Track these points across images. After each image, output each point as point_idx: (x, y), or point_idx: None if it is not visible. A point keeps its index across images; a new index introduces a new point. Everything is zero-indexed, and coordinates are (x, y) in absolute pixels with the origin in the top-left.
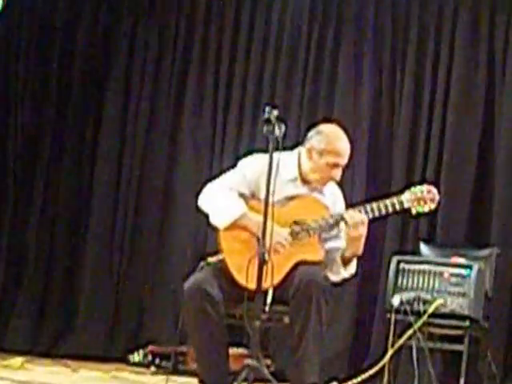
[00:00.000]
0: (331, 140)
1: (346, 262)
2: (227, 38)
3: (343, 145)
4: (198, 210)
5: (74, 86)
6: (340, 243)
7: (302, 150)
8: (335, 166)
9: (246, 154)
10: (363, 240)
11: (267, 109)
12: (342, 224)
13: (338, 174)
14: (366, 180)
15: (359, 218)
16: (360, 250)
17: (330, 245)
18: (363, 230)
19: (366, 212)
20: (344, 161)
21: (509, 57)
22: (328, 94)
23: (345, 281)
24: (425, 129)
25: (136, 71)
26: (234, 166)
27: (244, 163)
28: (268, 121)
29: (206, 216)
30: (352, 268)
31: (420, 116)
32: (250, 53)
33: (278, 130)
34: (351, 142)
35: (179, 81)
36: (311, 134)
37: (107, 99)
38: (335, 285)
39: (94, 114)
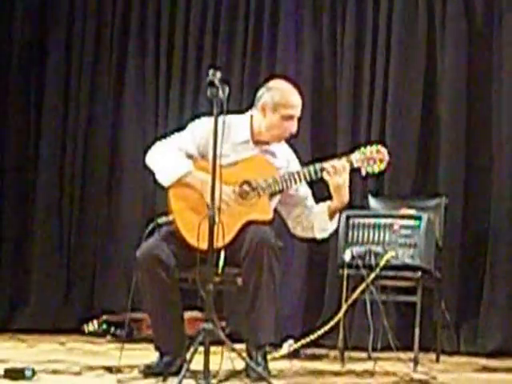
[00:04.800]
0: (283, 93)
1: (332, 216)
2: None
3: (295, 96)
4: (145, 167)
5: (15, 47)
6: (309, 192)
7: (254, 111)
8: (290, 118)
9: (195, 118)
10: (347, 186)
11: (211, 71)
12: (324, 174)
13: (294, 126)
14: (310, 142)
15: (340, 164)
16: (346, 198)
17: (300, 192)
18: (346, 176)
19: (316, 172)
20: (298, 111)
21: (448, 7)
22: (269, 54)
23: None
24: (368, 85)
25: (76, 34)
26: (179, 128)
27: (194, 125)
28: (211, 83)
29: (153, 174)
30: (336, 221)
31: (362, 73)
32: (190, 14)
33: (222, 93)
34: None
35: (120, 45)
36: (261, 92)
37: (49, 63)
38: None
39: (37, 78)
